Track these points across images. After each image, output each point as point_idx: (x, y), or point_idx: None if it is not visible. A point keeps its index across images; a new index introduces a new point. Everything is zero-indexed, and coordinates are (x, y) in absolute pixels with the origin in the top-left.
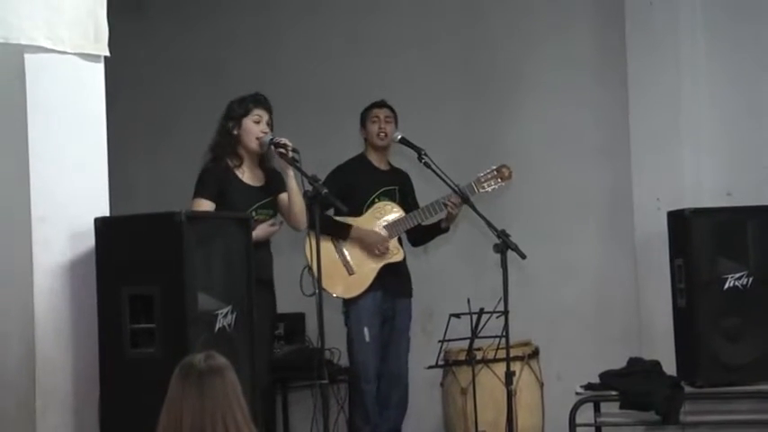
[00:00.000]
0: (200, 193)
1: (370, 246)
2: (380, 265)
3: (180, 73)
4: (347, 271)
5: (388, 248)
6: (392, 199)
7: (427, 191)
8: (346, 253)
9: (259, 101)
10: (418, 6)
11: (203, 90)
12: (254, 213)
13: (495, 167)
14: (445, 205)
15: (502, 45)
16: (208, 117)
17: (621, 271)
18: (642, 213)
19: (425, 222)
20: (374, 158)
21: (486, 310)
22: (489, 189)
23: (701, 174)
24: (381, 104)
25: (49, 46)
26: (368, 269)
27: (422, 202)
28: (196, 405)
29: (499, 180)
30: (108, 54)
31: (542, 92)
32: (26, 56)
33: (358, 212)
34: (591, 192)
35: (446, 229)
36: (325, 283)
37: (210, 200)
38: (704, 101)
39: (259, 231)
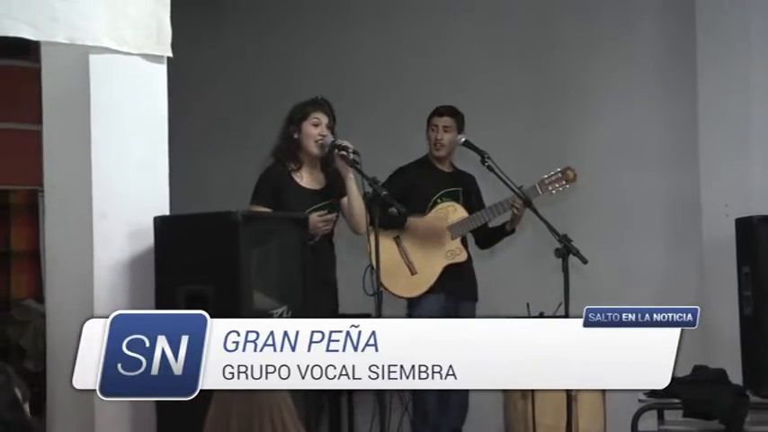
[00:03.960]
0: (254, 200)
1: (428, 234)
2: (444, 265)
3: (256, 72)
4: (410, 271)
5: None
6: (455, 200)
7: (490, 193)
8: (409, 253)
9: (318, 104)
10: (486, 10)
11: (277, 90)
12: None
13: (559, 170)
14: (511, 206)
15: (569, 49)
16: (281, 117)
17: (687, 278)
18: (710, 220)
19: (490, 223)
20: (437, 161)
21: (547, 314)
22: (553, 191)
23: None
24: (441, 113)
25: (113, 47)
26: (431, 269)
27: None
28: (244, 405)
29: (564, 182)
30: (171, 55)
31: (609, 96)
32: (90, 56)
33: (421, 213)
34: (658, 197)
35: (512, 231)
36: (387, 283)
37: (265, 207)
38: None
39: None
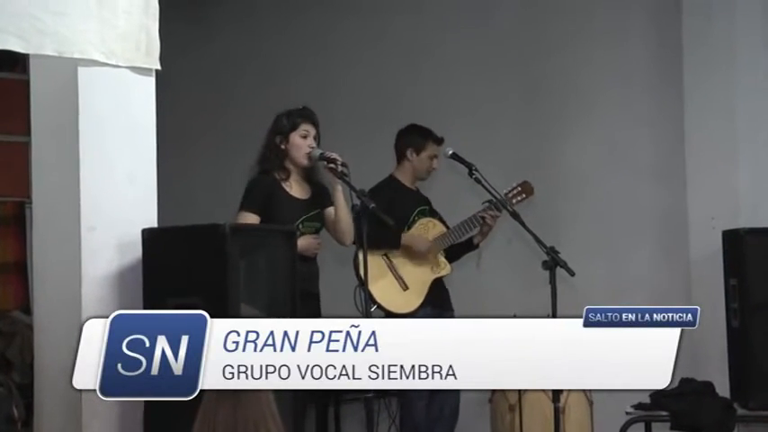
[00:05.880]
0: (245, 206)
1: (419, 253)
2: (432, 278)
3: (245, 83)
4: (401, 286)
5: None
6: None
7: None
8: (398, 268)
9: (306, 115)
10: (475, 21)
11: (266, 101)
12: (300, 226)
13: (517, 184)
14: (483, 218)
15: (556, 61)
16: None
17: (675, 290)
18: (697, 232)
19: (462, 238)
20: (407, 180)
21: None
22: (515, 204)
23: (756, 193)
24: (441, 141)
25: (102, 59)
26: (420, 283)
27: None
28: (230, 416)
29: (523, 195)
30: (159, 67)
31: (597, 108)
32: (79, 69)
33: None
34: (645, 209)
35: (477, 246)
36: (382, 300)
37: (255, 213)
38: (761, 118)
39: (302, 242)
